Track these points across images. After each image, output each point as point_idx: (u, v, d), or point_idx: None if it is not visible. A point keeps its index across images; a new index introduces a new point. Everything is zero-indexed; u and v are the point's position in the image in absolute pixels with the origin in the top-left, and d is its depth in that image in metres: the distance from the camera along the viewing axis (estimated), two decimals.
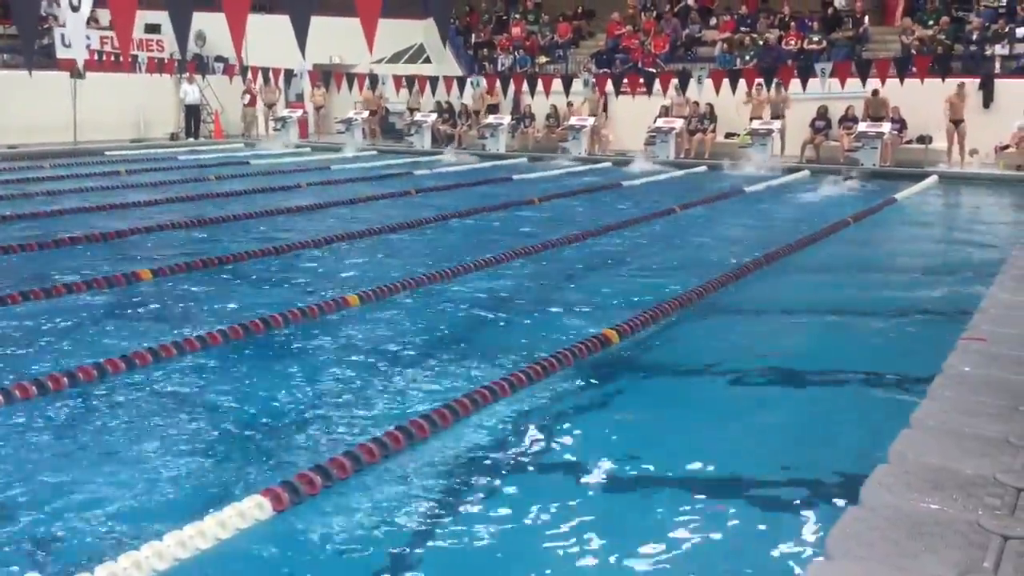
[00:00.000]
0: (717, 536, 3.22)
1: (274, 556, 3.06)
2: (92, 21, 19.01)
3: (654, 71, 19.41)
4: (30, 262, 7.74)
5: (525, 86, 18.62)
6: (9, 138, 17.61)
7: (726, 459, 3.87)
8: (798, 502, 3.47)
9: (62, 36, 17.17)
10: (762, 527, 3.30)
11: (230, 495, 3.39)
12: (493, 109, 20.90)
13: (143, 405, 4.41)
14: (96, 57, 18.60)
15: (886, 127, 16.56)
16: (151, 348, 5.08)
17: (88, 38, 17.41)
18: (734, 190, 13.61)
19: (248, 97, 22.58)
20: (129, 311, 6.26)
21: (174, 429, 4.12)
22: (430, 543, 3.18)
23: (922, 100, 16.00)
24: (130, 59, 18.14)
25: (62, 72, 17.93)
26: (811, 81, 15.95)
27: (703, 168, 17.07)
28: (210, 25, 16.53)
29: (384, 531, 3.23)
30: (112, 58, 19.08)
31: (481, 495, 3.53)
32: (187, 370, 4.94)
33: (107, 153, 17.67)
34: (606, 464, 3.83)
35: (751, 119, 17.99)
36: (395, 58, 23.51)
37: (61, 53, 17.31)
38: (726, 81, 16.88)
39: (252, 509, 3.17)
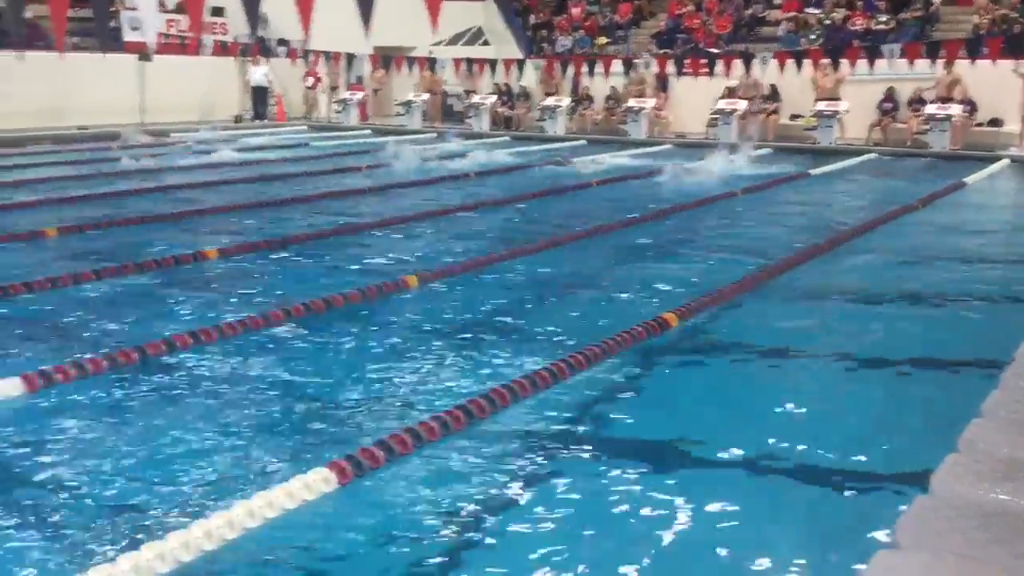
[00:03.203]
0: (780, 523, 3.19)
1: (337, 527, 3.12)
2: (159, 4, 19.40)
3: (717, 51, 19.15)
4: (101, 241, 7.95)
5: (584, 68, 18.52)
6: (79, 119, 18.06)
7: (789, 446, 3.82)
8: (865, 490, 3.42)
9: (130, 19, 17.55)
10: (827, 515, 3.26)
11: (295, 468, 3.45)
12: (551, 91, 20.81)
13: (209, 380, 4.51)
14: (163, 40, 18.96)
15: (956, 109, 16.12)
16: (217, 325, 5.19)
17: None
18: (799, 173, 13.38)
19: (311, 80, 22.83)
20: (195, 289, 6.39)
21: (240, 403, 4.21)
22: (486, 521, 3.21)
23: (994, 82, 15.54)
24: (194, 41, 18.44)
25: (130, 55, 18.32)
26: (878, 62, 15.59)
27: (767, 150, 16.81)
28: (273, 7, 16.74)
29: (441, 508, 3.26)
30: (178, 41, 19.44)
31: (539, 476, 3.55)
32: (251, 347, 5.03)
33: (173, 135, 18.02)
34: (664, 448, 3.82)
35: (816, 100, 17.65)
36: (454, 40, 23.54)
37: (128, 36, 17.70)
38: (790, 62, 16.60)
39: (318, 481, 3.23)
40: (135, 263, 6.79)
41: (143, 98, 19.38)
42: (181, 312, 5.76)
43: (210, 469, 3.54)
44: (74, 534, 3.05)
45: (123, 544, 2.93)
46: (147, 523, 3.10)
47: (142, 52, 18.07)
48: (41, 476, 3.46)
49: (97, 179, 11.93)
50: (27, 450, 3.68)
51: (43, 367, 4.39)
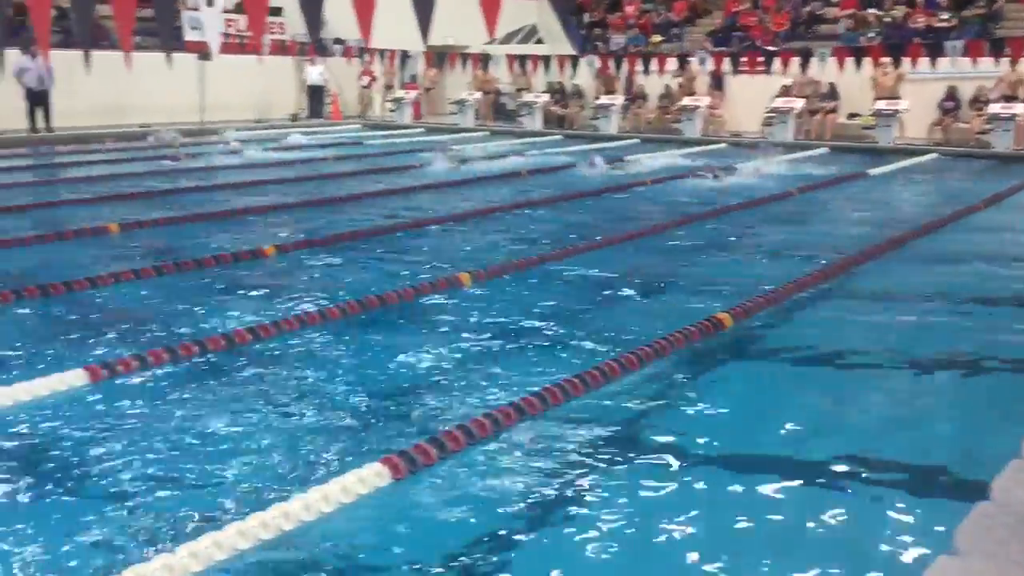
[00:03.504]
0: (835, 527, 3.14)
1: (391, 522, 3.15)
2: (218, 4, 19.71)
3: (774, 49, 18.91)
4: (161, 237, 8.13)
5: (639, 66, 18.42)
6: (141, 118, 18.47)
7: (845, 448, 3.77)
8: (924, 495, 3.36)
9: (190, 19, 17.87)
10: (884, 519, 3.21)
11: (349, 463, 3.50)
12: (605, 90, 20.73)
13: (266, 375, 4.59)
14: (222, 39, 19.27)
15: (1020, 108, 15.72)
16: (274, 321, 5.27)
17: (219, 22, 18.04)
18: (857, 173, 13.17)
19: (367, 79, 23.05)
20: (253, 285, 6.50)
21: (296, 398, 4.27)
22: (536, 520, 3.22)
23: None
24: (256, 41, 18.71)
25: (190, 54, 18.66)
26: (940, 60, 15.27)
27: (824, 150, 16.56)
28: (329, 6, 16.93)
29: (491, 505, 3.28)
30: (237, 40, 19.74)
31: (589, 475, 3.54)
32: (307, 343, 5.10)
33: (231, 133, 18.33)
34: (717, 449, 3.78)
35: (875, 99, 17.34)
36: (508, 38, 23.57)
37: (189, 36, 18.03)
38: (849, 60, 16.33)
39: (372, 476, 3.27)
40: (194, 259, 6.93)
41: (203, 97, 19.75)
42: (239, 307, 5.86)
43: (266, 462, 3.60)
44: (133, 522, 3.12)
45: (182, 532, 2.99)
46: (205, 512, 3.17)
47: (202, 52, 18.38)
48: (103, 464, 3.55)
49: (157, 176, 12.19)
50: (91, 439, 3.78)
51: (106, 359, 4.51)
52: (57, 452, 3.67)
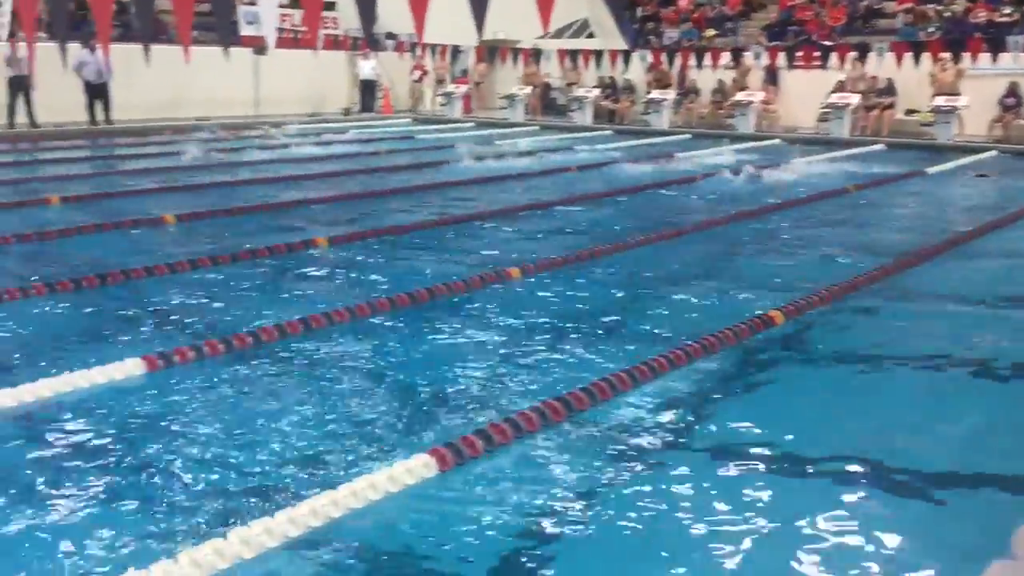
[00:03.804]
0: (886, 531, 3.10)
1: (437, 512, 3.18)
2: None
3: (830, 44, 18.61)
4: (217, 228, 8.27)
5: (692, 60, 18.27)
6: (198, 111, 18.79)
7: (896, 451, 3.71)
8: (978, 499, 3.30)
9: (246, 14, 18.13)
10: (936, 523, 3.16)
11: (397, 453, 3.54)
12: (659, 84, 20.57)
13: (318, 365, 4.65)
14: (277, 34, 19.53)
15: None
16: (326, 312, 5.34)
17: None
18: (914, 171, 12.92)
19: (418, 73, 23.17)
20: (305, 276, 6.59)
21: (346, 389, 4.33)
22: (580, 514, 3.21)
23: None
24: (312, 36, 18.92)
25: (245, 49, 18.94)
26: (1001, 55, 14.90)
27: (880, 147, 16.27)
28: (382, 2, 17.06)
29: (536, 498, 3.28)
30: (291, 35, 19.99)
31: (636, 471, 3.53)
32: (358, 334, 5.16)
33: (285, 127, 18.56)
34: (763, 449, 3.73)
35: (934, 95, 16.98)
36: (559, 33, 23.52)
37: (244, 30, 18.29)
38: (907, 55, 16.02)
39: (419, 467, 3.30)
40: (249, 250, 7.04)
41: (257, 91, 20.02)
42: (292, 298, 5.95)
43: (315, 451, 3.65)
44: (185, 508, 3.19)
45: (233, 519, 3.05)
46: (255, 500, 3.22)
47: (258, 46, 18.64)
48: (158, 451, 3.63)
49: (214, 169, 12.40)
50: (147, 426, 3.87)
51: (163, 349, 4.61)
52: (113, 439, 3.76)
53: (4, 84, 16.05)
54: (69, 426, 3.85)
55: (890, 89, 17.69)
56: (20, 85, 16.07)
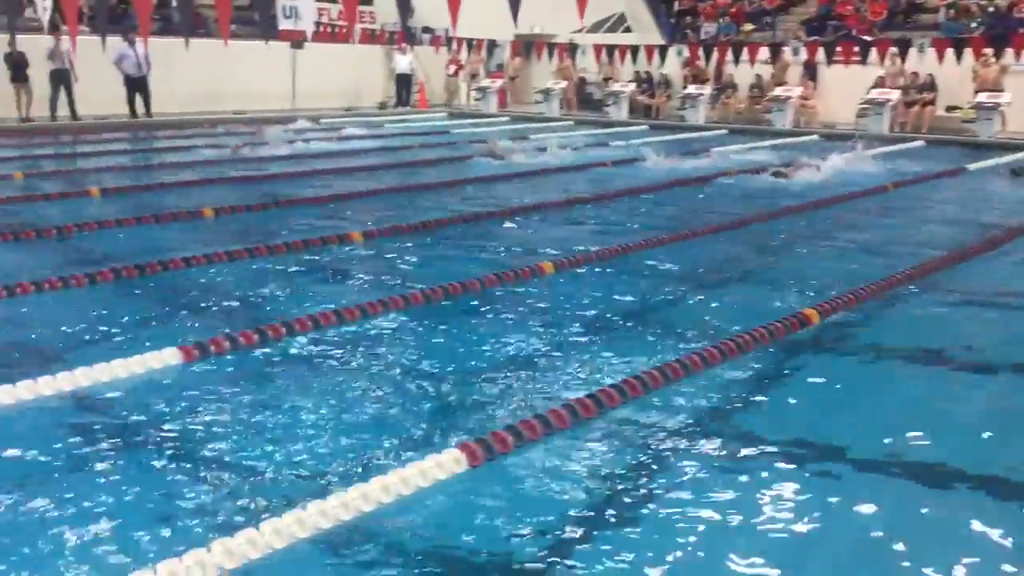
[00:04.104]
0: (919, 530, 3.07)
1: (467, 507, 3.19)
2: None
3: (870, 39, 18.37)
4: (254, 221, 8.35)
5: (729, 55, 18.12)
6: (236, 104, 18.97)
7: (933, 451, 3.67)
8: (1013, 501, 3.25)
9: (284, 8, 18.24)
10: (973, 525, 3.11)
11: (428, 448, 3.55)
12: (695, 79, 20.43)
13: (351, 357, 4.68)
14: (314, 28, 19.67)
15: None
16: (359, 304, 5.37)
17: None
18: (955, 168, 12.72)
19: (453, 67, 23.20)
20: (340, 269, 6.63)
21: (378, 382, 4.35)
22: (610, 510, 3.21)
23: None
24: (349, 31, 19.04)
25: (283, 42, 19.08)
26: None
27: (920, 143, 16.03)
28: None
29: (566, 495, 3.29)
30: (328, 29, 20.12)
31: (666, 469, 3.52)
32: (391, 327, 5.19)
33: (321, 121, 18.68)
34: (798, 448, 3.71)
35: (976, 92, 16.69)
36: (595, 27, 23.43)
37: (283, 24, 18.42)
38: (949, 50, 15.76)
39: (450, 462, 3.31)
40: (285, 243, 7.10)
41: (294, 84, 20.17)
42: (326, 291, 5.99)
43: (347, 444, 3.68)
44: (219, 497, 3.23)
45: (265, 510, 3.08)
46: (287, 491, 3.26)
47: (296, 40, 18.77)
48: (192, 441, 3.68)
49: (251, 162, 12.51)
50: (182, 415, 3.92)
51: (199, 339, 4.67)
52: (150, 427, 3.81)
53: (46, 77, 16.31)
54: (107, 414, 3.91)
55: (931, 85, 17.43)
56: (61, 78, 16.32)
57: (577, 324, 5.30)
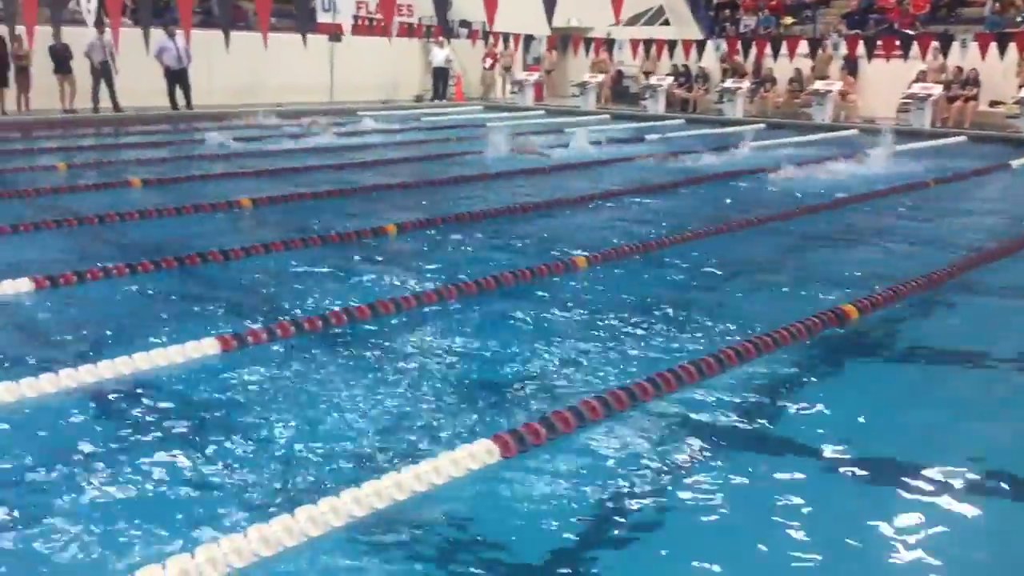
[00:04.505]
0: (957, 531, 3.03)
1: (499, 497, 3.21)
2: None
3: (912, 33, 18.09)
4: (290, 213, 8.42)
5: (768, 49, 17.95)
6: (274, 97, 19.13)
7: (969, 452, 3.61)
8: None
9: (322, 2, 18.38)
10: (1006, 526, 3.07)
11: (461, 438, 3.57)
12: (734, 72, 20.25)
13: (384, 350, 4.71)
14: (353, 21, 19.77)
15: None
16: (393, 298, 5.40)
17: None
18: (998, 164, 12.50)
19: (489, 61, 23.20)
20: (374, 262, 6.67)
21: (412, 374, 4.38)
22: (640, 504, 3.21)
23: None
24: (387, 24, 19.11)
25: (321, 36, 19.21)
26: None
27: (962, 139, 15.78)
28: None
29: (597, 487, 3.29)
30: (366, 22, 20.21)
31: (699, 463, 3.51)
32: (425, 320, 5.22)
33: (359, 113, 18.78)
34: (834, 447, 3.67)
35: (1021, 87, 16.37)
36: (633, 20, 23.31)
37: (321, 17, 18.56)
38: (993, 45, 15.48)
39: (482, 452, 3.33)
40: (320, 235, 7.16)
41: (332, 78, 20.29)
42: (361, 283, 6.03)
43: (380, 434, 3.71)
44: (254, 485, 3.27)
45: (300, 498, 3.12)
46: (321, 479, 3.29)
47: (334, 33, 18.88)
48: (229, 430, 3.73)
49: (290, 154, 12.62)
50: (220, 405, 3.98)
51: (237, 330, 4.72)
52: (188, 416, 3.87)
53: (89, 70, 16.56)
54: (146, 403, 3.97)
55: (974, 80, 17.14)
56: (103, 71, 16.57)
57: (610, 317, 5.29)
